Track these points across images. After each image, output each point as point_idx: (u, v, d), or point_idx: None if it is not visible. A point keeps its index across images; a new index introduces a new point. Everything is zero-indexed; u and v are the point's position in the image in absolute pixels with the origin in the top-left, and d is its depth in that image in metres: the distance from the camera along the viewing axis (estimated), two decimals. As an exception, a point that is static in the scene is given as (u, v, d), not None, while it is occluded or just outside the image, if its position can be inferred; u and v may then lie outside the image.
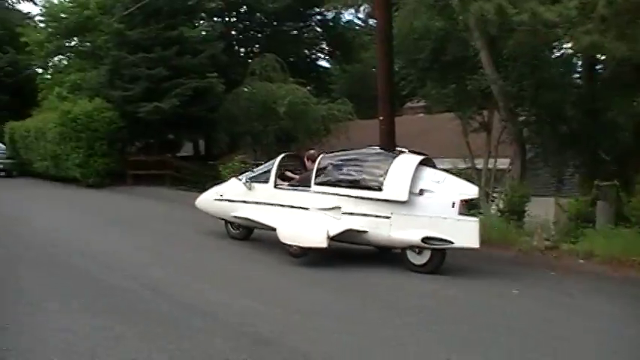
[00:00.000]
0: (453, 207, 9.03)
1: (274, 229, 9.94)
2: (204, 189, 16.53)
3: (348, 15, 33.69)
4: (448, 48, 17.39)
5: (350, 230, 9.40)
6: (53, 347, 5.21)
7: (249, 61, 28.42)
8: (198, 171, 24.52)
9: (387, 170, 9.43)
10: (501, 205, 14.04)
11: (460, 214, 9.09)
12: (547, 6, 10.79)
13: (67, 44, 31.27)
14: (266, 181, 10.79)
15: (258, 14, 31.68)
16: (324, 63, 37.85)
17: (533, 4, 10.80)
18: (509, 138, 17.18)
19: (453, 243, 8.91)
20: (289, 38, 31.93)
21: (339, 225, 9.44)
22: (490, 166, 18.59)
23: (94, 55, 28.04)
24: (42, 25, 33.46)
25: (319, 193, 9.92)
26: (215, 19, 31.35)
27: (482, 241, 9.14)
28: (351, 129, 23.88)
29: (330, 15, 33.66)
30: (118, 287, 7.39)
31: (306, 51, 34.48)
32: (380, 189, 9.35)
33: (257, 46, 32.69)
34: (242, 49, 33.25)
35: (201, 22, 29.37)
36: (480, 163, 18.79)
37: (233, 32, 31.75)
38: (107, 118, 22.95)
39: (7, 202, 17.59)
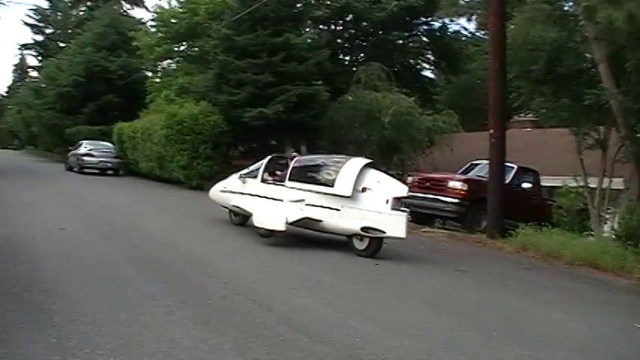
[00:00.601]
0: (387, 203, 10.65)
1: (251, 215, 12.02)
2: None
3: (455, 25, 33.02)
4: (563, 60, 16.49)
5: (307, 218, 11.23)
6: (149, 356, 4.97)
7: (354, 69, 28.13)
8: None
9: (339, 171, 11.22)
10: (616, 227, 13.19)
11: (393, 209, 10.63)
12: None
13: (176, 48, 32.08)
14: (255, 177, 12.91)
15: (364, 23, 31.41)
16: (428, 73, 37.23)
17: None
18: (626, 156, 16.09)
19: (385, 233, 10.57)
20: (395, 47, 31.50)
21: (298, 213, 11.25)
22: (604, 185, 17.51)
23: (202, 59, 28.54)
24: (153, 30, 34.53)
25: (291, 188, 11.80)
26: (321, 26, 31.31)
27: (596, 266, 9.10)
28: (456, 141, 23.20)
29: (436, 25, 33.08)
30: (216, 295, 7.10)
31: (411, 61, 33.95)
32: (332, 186, 11.15)
33: (362, 54, 32.43)
34: (347, 58, 33.07)
35: (308, 29, 29.39)
36: (592, 182, 17.75)
37: (339, 40, 31.59)
38: (212, 122, 23.15)
39: (113, 200, 17.92)
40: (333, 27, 31.99)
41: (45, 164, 39.40)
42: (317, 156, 13.60)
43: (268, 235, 11.51)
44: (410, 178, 17.27)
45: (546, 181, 18.56)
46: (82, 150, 30.55)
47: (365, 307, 7.12)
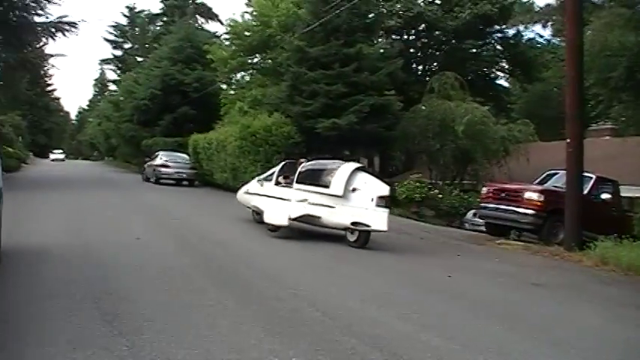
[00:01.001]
0: (372, 201, 12.24)
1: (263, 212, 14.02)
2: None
3: (529, 32, 32.41)
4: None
5: (308, 215, 13.11)
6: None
7: (427, 79, 27.92)
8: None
9: (334, 174, 12.96)
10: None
11: (377, 206, 12.15)
12: None
13: (249, 61, 32.51)
14: (270, 180, 14.84)
15: (437, 32, 31.16)
16: (503, 82, 36.62)
17: None
18: None
19: (370, 226, 12.22)
20: (468, 56, 31.15)
21: (300, 211, 13.16)
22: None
23: (275, 71, 28.78)
24: (227, 43, 35.04)
25: (297, 189, 13.58)
26: (394, 36, 31.20)
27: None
28: (532, 151, 22.69)
29: (510, 32, 32.55)
30: (288, 307, 7.07)
31: (485, 69, 33.49)
32: (329, 187, 12.83)
33: (435, 63, 32.17)
34: (420, 67, 32.85)
35: (380, 39, 29.32)
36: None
37: (411, 50, 31.43)
38: (285, 133, 23.28)
39: (188, 211, 18.28)
40: (405, 36, 31.84)
41: (123, 175, 40.47)
42: (319, 161, 14.92)
43: (275, 229, 13.35)
44: (484, 189, 16.94)
45: (626, 192, 17.89)
46: (159, 161, 31.23)
47: (438, 320, 6.96)
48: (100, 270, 8.47)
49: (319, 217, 13.04)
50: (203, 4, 63.65)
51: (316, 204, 13.07)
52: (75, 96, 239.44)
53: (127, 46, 75.59)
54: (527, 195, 15.11)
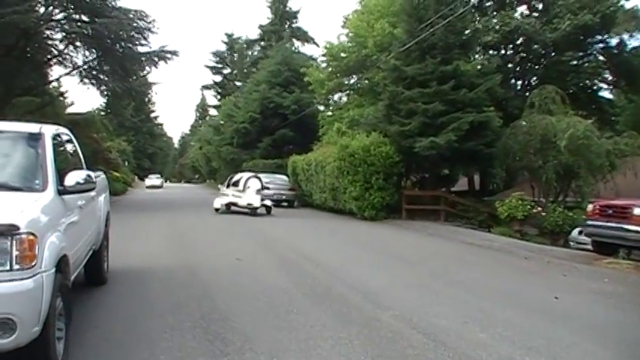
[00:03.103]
0: (254, 192, 24.11)
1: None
2: (479, 226, 16.19)
3: (634, 41, 31.13)
4: None
5: (230, 203, 25.23)
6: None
7: (527, 93, 27.34)
8: (473, 207, 23.97)
9: (241, 180, 25.02)
10: None
11: (256, 194, 24.20)
12: None
13: (346, 82, 32.86)
14: (227, 186, 26.82)
15: (535, 45, 30.50)
16: (606, 93, 35.32)
17: None
18: None
19: (252, 204, 24.08)
20: (569, 69, 30.22)
21: (227, 200, 25.43)
22: None
23: (372, 91, 29.00)
24: (323, 65, 35.54)
25: (230, 189, 25.98)
26: (490, 51, 30.77)
27: None
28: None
29: (613, 41, 31.44)
30: (388, 328, 7.05)
31: (587, 81, 32.41)
32: (238, 187, 24.96)
33: (534, 77, 31.45)
34: (518, 82, 32.22)
35: (476, 55, 29.01)
36: None
37: (509, 64, 30.88)
38: (383, 153, 23.29)
39: (287, 232, 18.66)
40: (502, 51, 31.32)
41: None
42: (237, 174, 27.67)
43: (219, 212, 25.15)
44: (590, 206, 16.36)
45: None
46: (259, 183, 31.97)
47: (544, 343, 6.69)
48: (203, 290, 8.80)
49: (235, 203, 25.06)
50: (299, 28, 64.85)
51: (235, 196, 25.18)
52: (177, 121, 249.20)
53: (226, 71, 78.05)
54: (637, 211, 14.52)
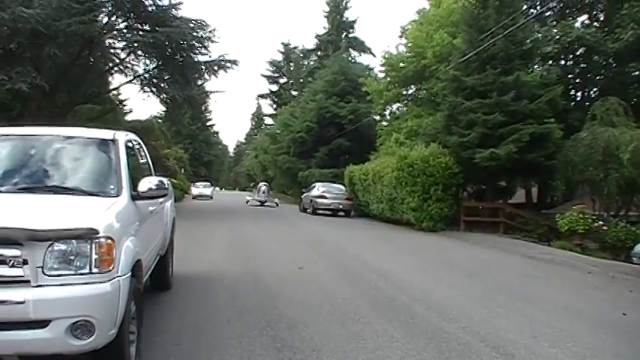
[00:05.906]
0: (262, 193, 41.90)
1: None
2: (539, 239, 16.13)
3: None
4: None
5: (260, 201, 41.45)
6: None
7: (587, 105, 26.87)
8: (533, 220, 23.65)
9: (261, 186, 43.26)
10: None
11: (267, 195, 42.08)
12: None
13: (404, 92, 32.81)
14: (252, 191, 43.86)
15: (596, 56, 29.98)
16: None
17: None
18: None
19: (265, 202, 41.27)
20: (632, 80, 29.63)
21: (249, 197, 44.56)
22: None
23: (431, 102, 28.93)
24: (381, 75, 35.60)
25: (256, 193, 44.15)
26: (550, 62, 30.36)
27: None
28: None
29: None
30: (457, 341, 6.99)
31: (652, 92, 31.71)
32: (259, 191, 43.58)
33: (595, 89, 30.90)
34: (579, 93, 31.69)
35: (536, 66, 28.66)
36: None
37: (570, 75, 30.41)
38: (443, 164, 23.16)
39: (345, 241, 18.73)
40: (563, 62, 30.87)
41: (279, 206, 41.76)
42: (260, 182, 46.77)
43: (247, 203, 41.79)
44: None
45: None
46: (315, 192, 32.17)
47: None
48: (268, 298, 8.88)
49: (265, 201, 40.03)
50: (356, 38, 65.13)
51: (252, 194, 43.60)
52: (233, 129, 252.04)
53: (282, 80, 78.74)
54: None
